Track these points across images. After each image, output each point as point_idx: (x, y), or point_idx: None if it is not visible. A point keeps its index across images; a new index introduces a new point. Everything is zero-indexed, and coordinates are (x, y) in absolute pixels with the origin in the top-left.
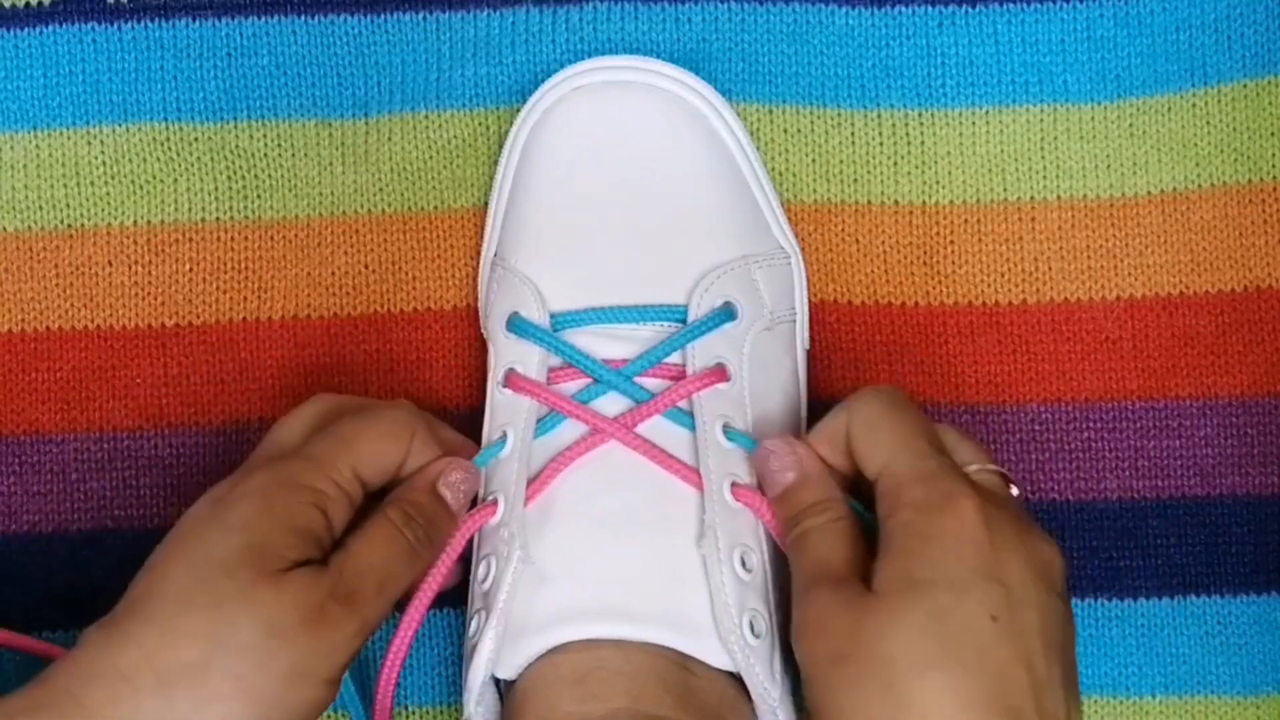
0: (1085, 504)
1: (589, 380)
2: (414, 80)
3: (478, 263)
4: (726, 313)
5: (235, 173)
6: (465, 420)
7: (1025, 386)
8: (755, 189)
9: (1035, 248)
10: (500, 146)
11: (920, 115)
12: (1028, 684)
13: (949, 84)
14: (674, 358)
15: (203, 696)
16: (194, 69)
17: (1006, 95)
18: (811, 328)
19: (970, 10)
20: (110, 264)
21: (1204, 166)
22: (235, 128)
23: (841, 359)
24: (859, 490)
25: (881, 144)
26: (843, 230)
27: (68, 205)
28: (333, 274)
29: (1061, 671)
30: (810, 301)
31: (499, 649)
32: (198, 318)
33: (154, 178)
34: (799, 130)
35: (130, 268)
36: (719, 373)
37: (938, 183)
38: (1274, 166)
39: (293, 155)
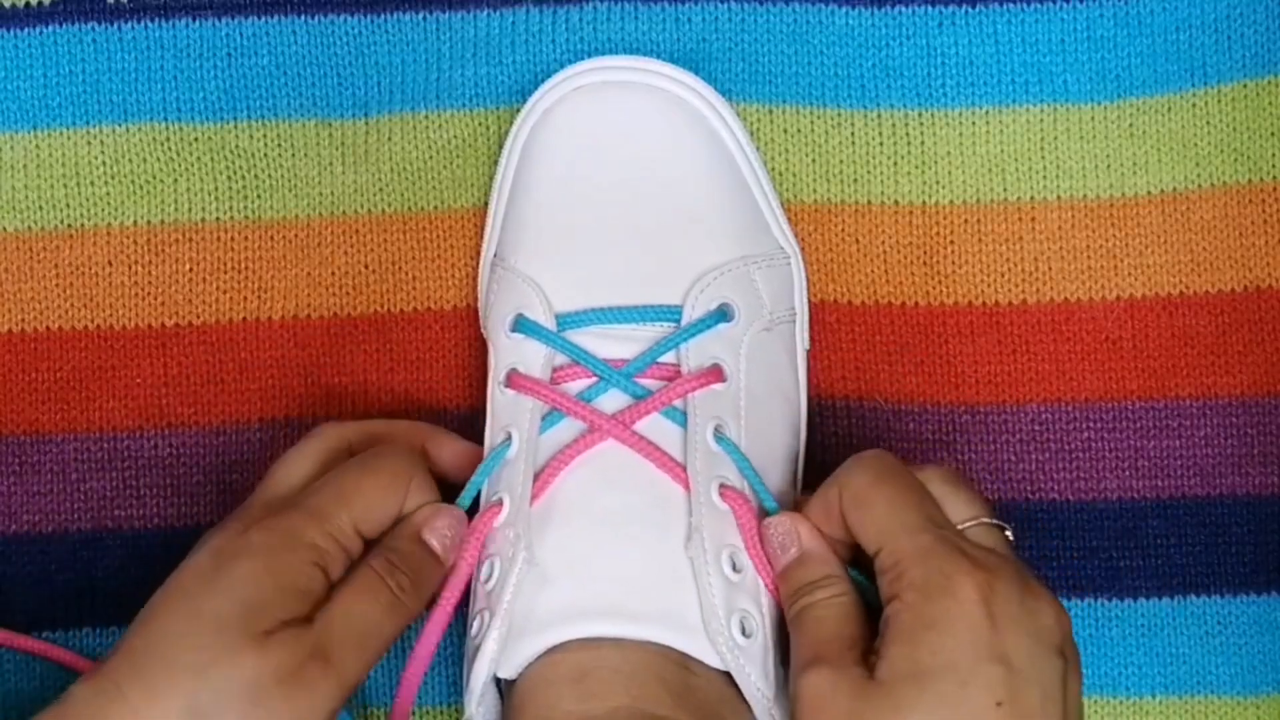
0: (1085, 504)
1: (591, 380)
2: (414, 80)
3: (478, 263)
4: (721, 314)
5: (235, 173)
6: (465, 420)
7: (1025, 386)
8: (755, 189)
9: (1035, 248)
10: (500, 146)
11: (920, 115)
12: None
13: (949, 84)
14: (669, 357)
15: None
16: (194, 69)
17: (1006, 95)
18: (811, 328)
19: (970, 10)
20: (110, 264)
21: (1204, 166)
22: (235, 128)
23: (841, 359)
24: (861, 558)
25: (881, 144)
26: (843, 230)
27: (68, 205)
28: (333, 274)
29: None
30: (810, 301)
31: (502, 649)
32: (198, 318)
33: (154, 178)
34: (799, 130)
35: (130, 268)
36: (714, 373)
37: (938, 183)
38: (1274, 166)
39: (293, 155)
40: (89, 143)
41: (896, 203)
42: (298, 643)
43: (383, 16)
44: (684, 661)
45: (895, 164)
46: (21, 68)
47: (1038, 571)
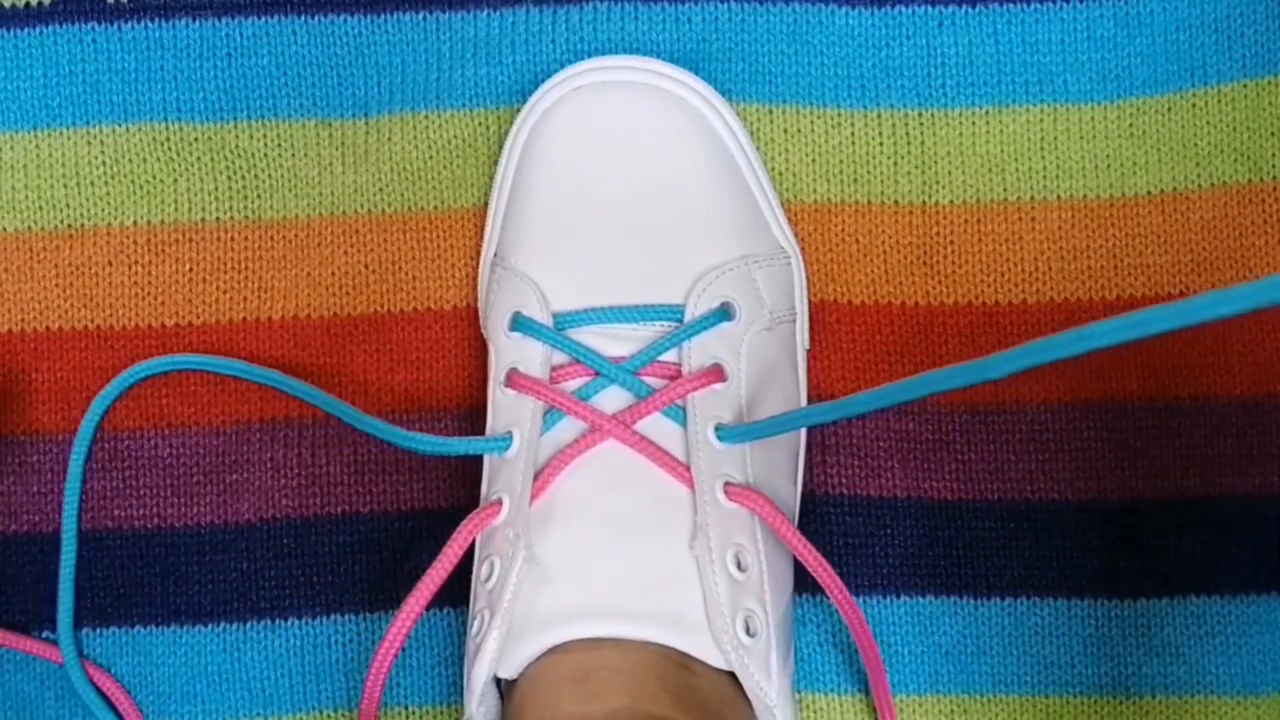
0: (1085, 504)
1: (590, 378)
2: (414, 80)
3: (478, 263)
4: (723, 313)
5: (235, 173)
6: (465, 420)
7: (1025, 386)
8: (755, 189)
9: (1035, 248)
10: (500, 146)
11: (920, 115)
12: None
13: (949, 84)
14: (670, 356)
15: None
16: (194, 69)
17: (1006, 95)
18: (811, 328)
19: (970, 10)
20: (110, 264)
21: (1204, 166)
22: (235, 128)
23: (841, 359)
24: None
25: (881, 144)
26: (843, 230)
27: (68, 205)
28: (333, 274)
29: None
30: (810, 301)
31: (502, 649)
32: (198, 318)
33: (154, 178)
34: (799, 130)
35: (130, 268)
36: (715, 373)
37: (938, 183)
38: (1274, 166)
39: (293, 155)
40: (89, 143)
41: (896, 203)
42: None
43: (383, 16)
44: (685, 662)
45: (895, 164)
46: (21, 68)
47: (1037, 571)
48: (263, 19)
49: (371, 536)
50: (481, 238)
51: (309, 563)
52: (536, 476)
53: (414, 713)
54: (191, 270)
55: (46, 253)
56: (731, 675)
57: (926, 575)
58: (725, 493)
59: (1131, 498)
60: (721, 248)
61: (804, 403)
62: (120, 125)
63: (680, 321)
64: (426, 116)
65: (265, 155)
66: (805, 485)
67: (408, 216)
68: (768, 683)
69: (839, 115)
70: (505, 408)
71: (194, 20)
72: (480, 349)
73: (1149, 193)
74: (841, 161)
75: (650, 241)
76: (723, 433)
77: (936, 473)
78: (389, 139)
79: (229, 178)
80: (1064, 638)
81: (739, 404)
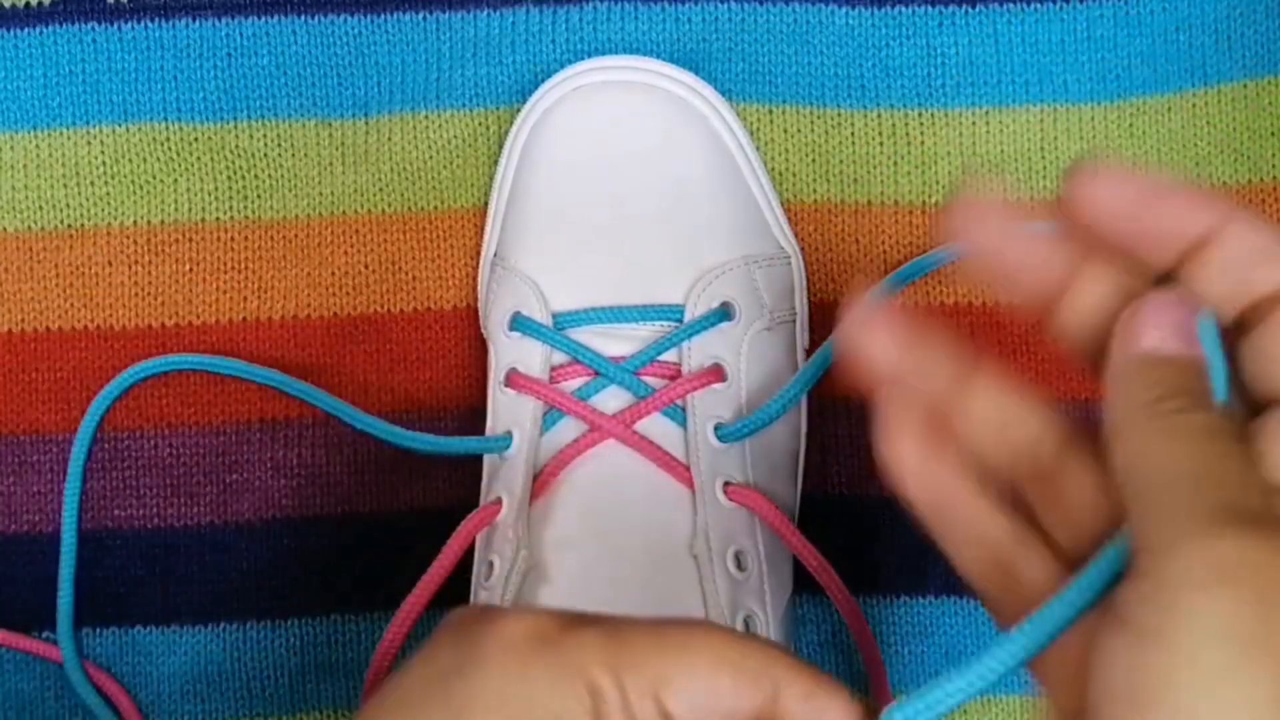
0: None
1: (589, 377)
2: (414, 80)
3: (478, 263)
4: (723, 313)
5: (235, 173)
6: (465, 420)
7: (1025, 386)
8: (755, 189)
9: None
10: (500, 146)
11: (920, 115)
12: None
13: (949, 84)
14: (670, 356)
15: None
16: (194, 69)
17: (1006, 95)
18: (811, 328)
19: (970, 10)
20: (110, 264)
21: (1204, 166)
22: (235, 128)
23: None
24: None
25: (881, 144)
26: (843, 230)
27: (68, 205)
28: (333, 274)
29: None
30: (810, 301)
31: None
32: (197, 318)
33: (154, 178)
34: (799, 130)
35: (130, 268)
36: (715, 373)
37: (938, 183)
38: (1274, 166)
39: (293, 155)
40: (89, 143)
41: (896, 203)
42: None
43: (383, 16)
44: None
45: (895, 164)
46: (21, 68)
47: None
48: (263, 19)
49: (371, 536)
50: (481, 238)
51: (309, 563)
52: (536, 476)
53: None
54: (191, 270)
55: (46, 253)
56: None
57: (926, 575)
58: (725, 493)
59: None
60: (721, 248)
61: (804, 403)
62: (120, 125)
63: (680, 321)
64: (426, 116)
65: (265, 155)
66: (805, 485)
67: (408, 216)
68: None
69: (839, 115)
70: (505, 408)
71: (194, 20)
72: (480, 349)
73: None
74: (841, 161)
75: (650, 241)
76: (722, 432)
77: None
78: (389, 139)
79: (229, 178)
80: None
81: (739, 404)
